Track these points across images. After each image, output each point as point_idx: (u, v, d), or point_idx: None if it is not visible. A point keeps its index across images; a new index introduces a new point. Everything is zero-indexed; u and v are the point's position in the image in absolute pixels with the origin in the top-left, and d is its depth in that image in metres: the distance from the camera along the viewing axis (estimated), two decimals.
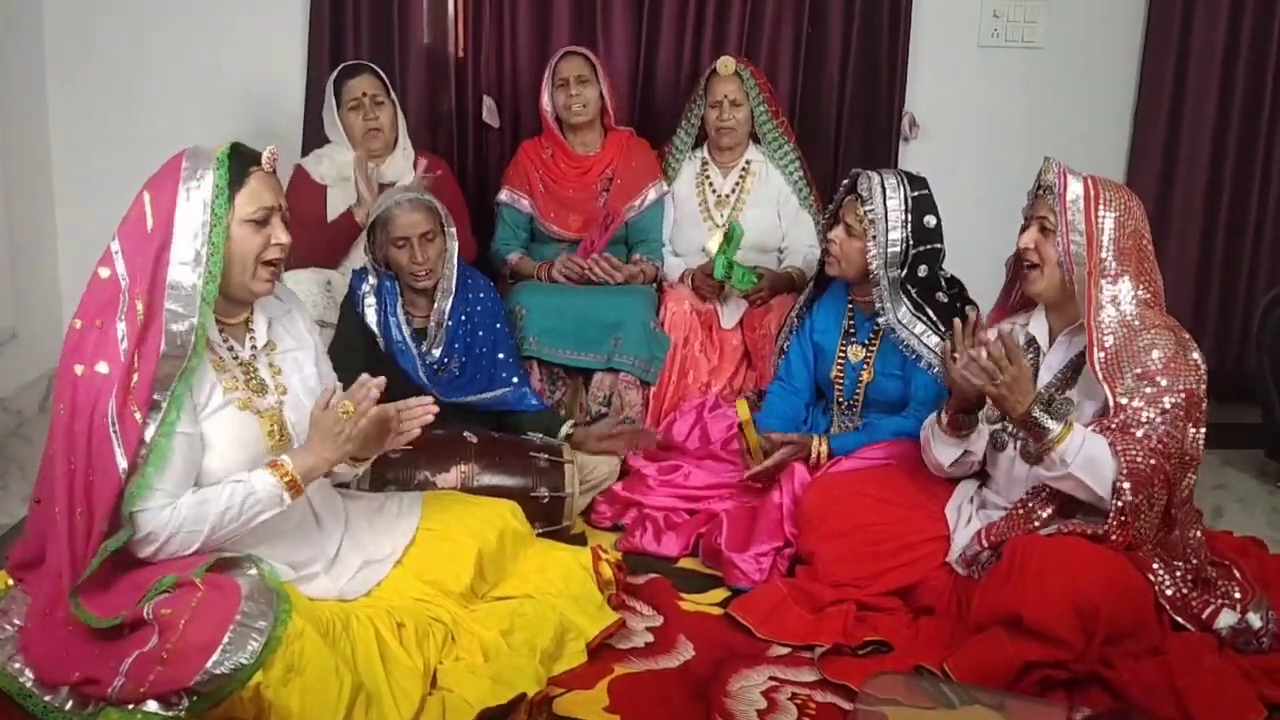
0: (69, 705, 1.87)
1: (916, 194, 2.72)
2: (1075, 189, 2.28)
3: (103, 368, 1.86)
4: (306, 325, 2.22)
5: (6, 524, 2.76)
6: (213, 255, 1.90)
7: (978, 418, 2.42)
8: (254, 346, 2.09)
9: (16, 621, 1.96)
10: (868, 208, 2.70)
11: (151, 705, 1.76)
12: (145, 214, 1.93)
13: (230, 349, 2.05)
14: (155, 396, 1.87)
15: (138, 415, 1.85)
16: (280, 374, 2.11)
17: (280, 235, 2.01)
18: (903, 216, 2.69)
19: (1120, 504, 2.16)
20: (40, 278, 3.75)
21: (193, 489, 1.93)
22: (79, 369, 1.88)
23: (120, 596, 1.87)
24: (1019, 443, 2.35)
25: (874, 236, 2.70)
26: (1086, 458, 2.18)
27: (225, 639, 1.75)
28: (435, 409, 2.11)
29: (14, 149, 3.57)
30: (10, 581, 2.05)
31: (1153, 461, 2.16)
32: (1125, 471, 2.14)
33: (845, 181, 2.81)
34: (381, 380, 2.01)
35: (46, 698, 1.88)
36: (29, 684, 1.89)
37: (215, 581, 1.86)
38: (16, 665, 1.91)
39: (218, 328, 2.02)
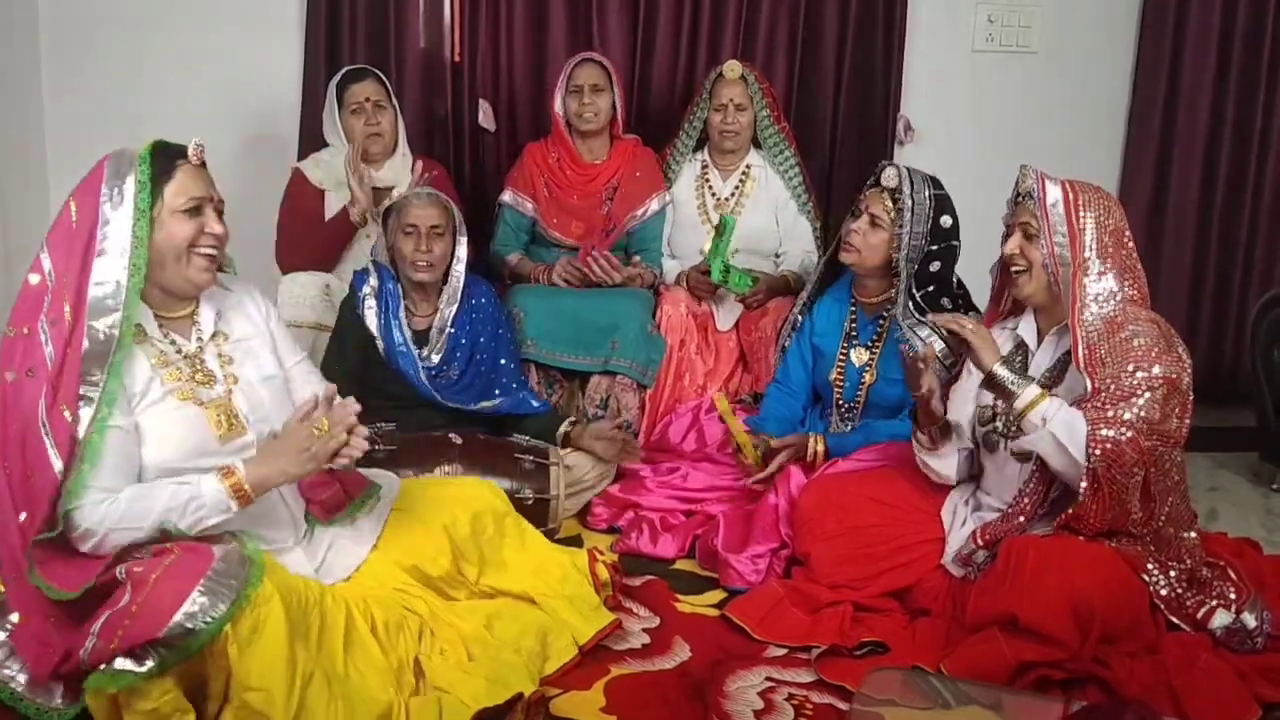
0: (61, 702, 1.87)
1: (938, 193, 2.78)
2: (1054, 193, 2.32)
3: (31, 372, 1.87)
4: (262, 312, 2.21)
5: None
6: (137, 249, 1.91)
7: (949, 424, 2.47)
8: (200, 339, 2.08)
9: (8, 626, 1.95)
10: (900, 196, 2.73)
11: (122, 663, 1.74)
12: (70, 218, 1.94)
13: (173, 343, 2.04)
14: (84, 392, 1.86)
15: (67, 414, 1.85)
16: (231, 363, 2.09)
17: (214, 225, 2.01)
18: (928, 210, 2.74)
19: (1091, 468, 2.16)
20: None
21: (135, 485, 1.92)
22: (9, 375, 1.89)
23: (82, 568, 1.86)
24: (1005, 423, 2.40)
25: (901, 226, 2.73)
26: (1064, 420, 2.21)
27: (194, 591, 1.75)
28: (357, 408, 2.03)
29: (9, 154, 3.57)
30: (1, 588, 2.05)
31: (1128, 434, 2.16)
32: (1100, 438, 2.16)
33: (872, 178, 2.83)
34: (356, 406, 2.00)
35: (39, 700, 1.88)
36: (20, 689, 1.88)
37: (189, 546, 1.86)
38: (7, 672, 1.90)
39: (157, 323, 2.03)
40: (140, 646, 1.74)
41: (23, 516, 1.85)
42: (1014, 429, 2.34)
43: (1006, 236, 2.42)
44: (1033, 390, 2.26)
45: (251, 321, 2.18)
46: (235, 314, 2.16)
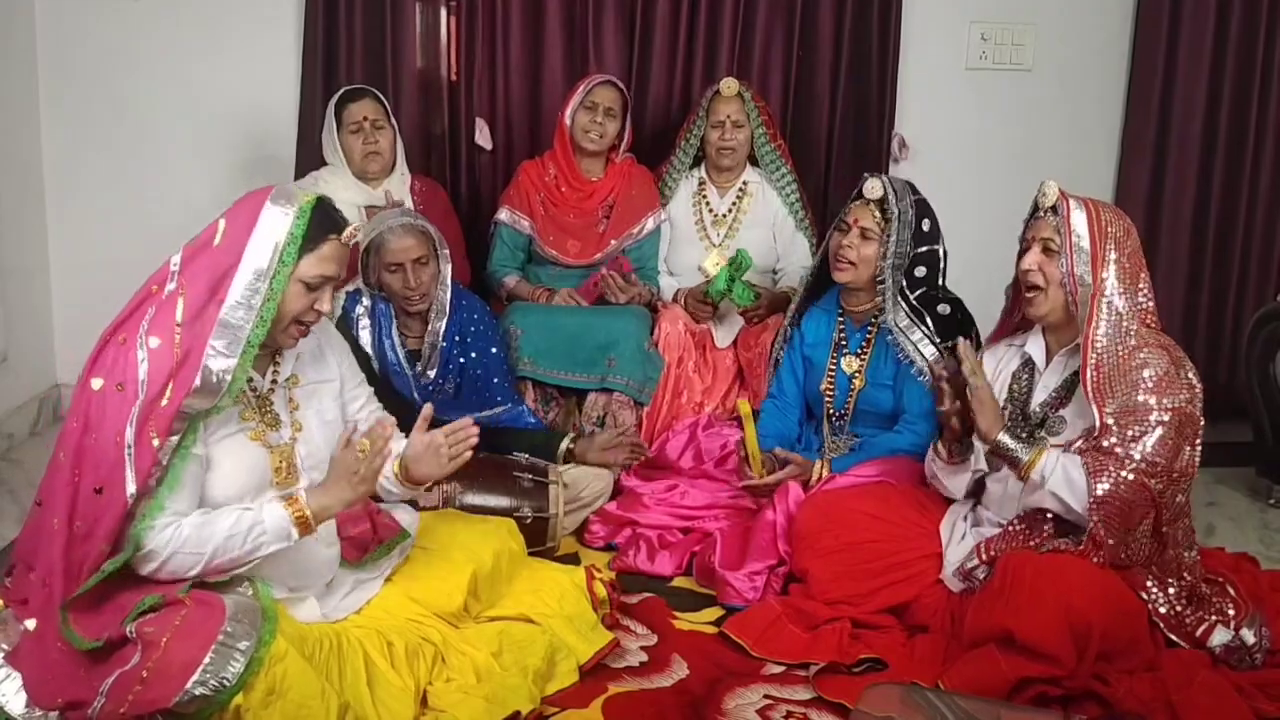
0: None
1: (917, 198, 2.81)
2: (1079, 212, 2.32)
3: (121, 386, 1.83)
4: (337, 358, 2.19)
5: None
6: (268, 301, 1.87)
7: (971, 443, 2.46)
8: (274, 380, 2.06)
9: (4, 646, 1.94)
10: (888, 205, 2.76)
11: None
12: (212, 239, 1.89)
13: (249, 380, 2.01)
14: (177, 425, 1.85)
15: (155, 441, 1.82)
16: (298, 409, 2.07)
17: (324, 304, 1.98)
18: (911, 216, 2.77)
19: (1093, 527, 2.19)
20: (31, 300, 3.75)
21: (200, 510, 1.91)
22: (96, 383, 1.85)
23: (107, 618, 1.84)
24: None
25: (889, 236, 2.75)
26: (1063, 476, 2.24)
27: (206, 659, 1.73)
28: (477, 430, 2.11)
29: (6, 171, 3.57)
30: (1, 604, 2.03)
31: (1130, 479, 2.18)
32: (1098, 496, 2.18)
33: (855, 192, 2.85)
34: (392, 420, 2.00)
35: None
36: (16, 714, 1.86)
37: (201, 598, 1.83)
38: (1, 697, 1.88)
39: None
40: (149, 715, 1.73)
41: (77, 525, 1.83)
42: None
43: (1023, 252, 2.42)
44: (1031, 450, 2.28)
45: (327, 368, 2.16)
46: (313, 359, 2.14)
